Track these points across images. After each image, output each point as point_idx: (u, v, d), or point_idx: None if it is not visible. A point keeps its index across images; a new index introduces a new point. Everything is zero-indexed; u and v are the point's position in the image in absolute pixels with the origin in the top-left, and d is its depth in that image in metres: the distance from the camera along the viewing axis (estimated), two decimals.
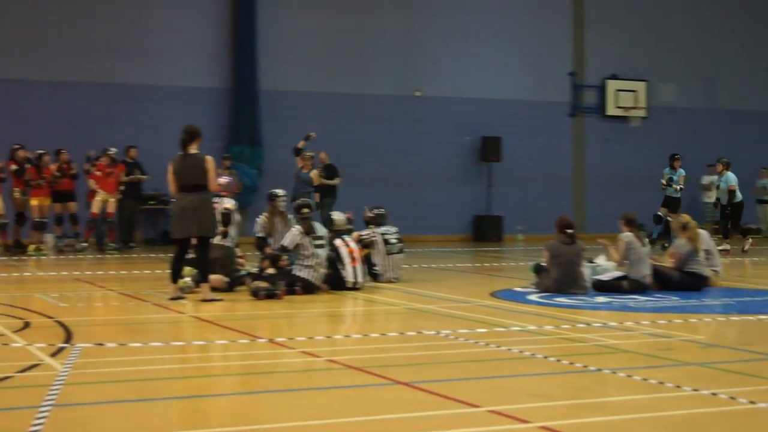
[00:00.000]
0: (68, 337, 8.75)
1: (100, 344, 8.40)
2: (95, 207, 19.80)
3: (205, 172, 11.41)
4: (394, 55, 25.16)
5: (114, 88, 22.64)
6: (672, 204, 21.13)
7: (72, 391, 6.53)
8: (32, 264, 17.49)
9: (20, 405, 6.20)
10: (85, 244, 19.90)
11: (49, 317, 10.01)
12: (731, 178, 20.80)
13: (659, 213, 21.30)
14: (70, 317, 10.08)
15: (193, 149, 11.57)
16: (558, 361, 7.72)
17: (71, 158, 19.93)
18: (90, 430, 5.61)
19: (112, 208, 19.97)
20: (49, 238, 19.90)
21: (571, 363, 7.60)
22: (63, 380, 6.79)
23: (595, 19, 26.97)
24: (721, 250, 17.29)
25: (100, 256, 19.11)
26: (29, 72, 22.01)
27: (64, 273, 15.43)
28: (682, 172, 21.36)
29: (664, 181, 21.40)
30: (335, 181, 20.48)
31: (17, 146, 19.41)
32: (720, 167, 21.19)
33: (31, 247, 19.23)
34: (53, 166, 19.74)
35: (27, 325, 9.58)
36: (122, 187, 20.26)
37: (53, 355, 7.82)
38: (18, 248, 19.13)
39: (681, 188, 21.31)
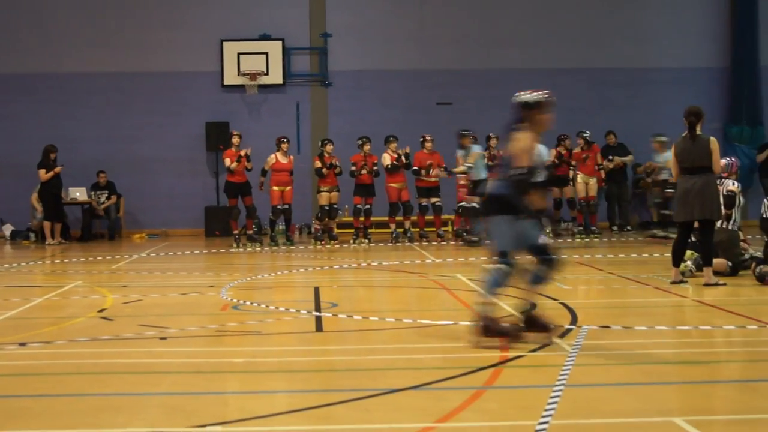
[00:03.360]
0: (573, 319, 8.97)
1: (606, 326, 8.52)
2: (574, 190, 20.20)
3: (709, 154, 11.17)
4: None
5: (614, 72, 22.84)
6: None
7: (581, 371, 6.69)
8: None
9: (535, 383, 6.45)
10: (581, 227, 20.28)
11: (554, 299, 10.31)
12: None
13: None
14: (573, 299, 10.37)
15: (698, 131, 11.37)
16: None
17: (571, 146, 20.30)
18: (602, 410, 5.73)
19: (593, 191, 20.15)
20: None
21: None
22: (572, 361, 6.98)
23: None
24: None
25: (586, 239, 19.35)
26: (530, 61, 22.79)
27: (563, 256, 15.73)
28: None
29: None
30: None
31: None
32: None
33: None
34: (552, 152, 20.26)
35: (533, 306, 9.90)
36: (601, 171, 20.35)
37: (562, 336, 8.05)
38: None
39: None
